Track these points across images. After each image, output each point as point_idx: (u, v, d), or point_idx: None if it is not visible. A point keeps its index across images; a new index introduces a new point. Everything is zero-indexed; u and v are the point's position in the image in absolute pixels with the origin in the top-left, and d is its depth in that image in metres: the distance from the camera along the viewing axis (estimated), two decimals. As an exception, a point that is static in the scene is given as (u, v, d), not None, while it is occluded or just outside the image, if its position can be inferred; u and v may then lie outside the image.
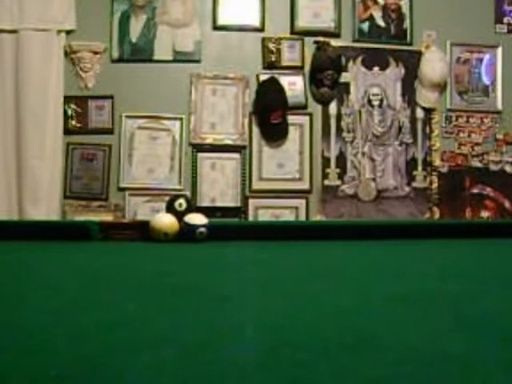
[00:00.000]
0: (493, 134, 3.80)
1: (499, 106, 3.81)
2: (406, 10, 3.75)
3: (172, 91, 3.54)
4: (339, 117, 3.66)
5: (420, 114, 3.74)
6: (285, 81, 3.59)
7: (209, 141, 3.57)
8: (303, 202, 3.61)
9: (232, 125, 3.59)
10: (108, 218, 3.36)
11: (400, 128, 3.72)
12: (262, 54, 3.62)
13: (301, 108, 3.63)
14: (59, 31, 3.45)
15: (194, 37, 3.57)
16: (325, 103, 3.66)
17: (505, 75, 3.81)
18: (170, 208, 2.18)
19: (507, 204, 3.74)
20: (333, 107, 3.66)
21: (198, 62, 3.57)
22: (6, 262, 1.52)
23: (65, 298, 0.96)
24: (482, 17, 3.80)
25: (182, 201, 2.17)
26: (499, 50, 3.81)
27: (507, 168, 3.78)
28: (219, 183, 3.56)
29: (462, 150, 3.76)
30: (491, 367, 0.57)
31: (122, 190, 3.50)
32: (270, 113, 3.53)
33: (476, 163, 3.76)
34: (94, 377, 0.54)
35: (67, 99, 3.46)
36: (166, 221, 2.09)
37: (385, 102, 3.71)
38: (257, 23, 3.62)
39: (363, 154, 3.67)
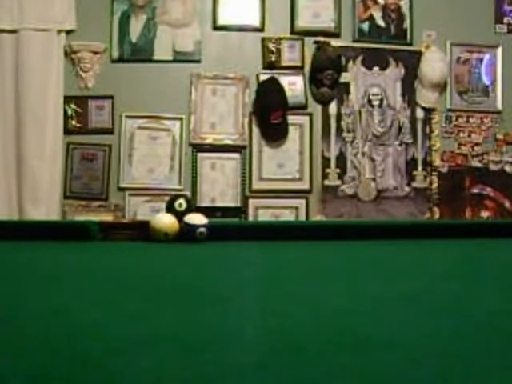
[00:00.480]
0: (493, 134, 3.80)
1: (499, 106, 3.81)
2: (405, 10, 3.75)
3: (172, 91, 3.55)
4: (339, 117, 3.66)
5: (420, 114, 3.74)
6: (285, 81, 3.59)
7: (209, 141, 3.57)
8: (303, 202, 3.61)
9: (232, 125, 3.59)
10: (108, 218, 3.36)
11: (400, 128, 3.72)
12: (262, 54, 3.62)
13: (301, 108, 3.63)
14: (59, 31, 3.45)
15: (194, 37, 3.57)
16: (325, 103, 3.66)
17: (505, 75, 3.81)
18: (169, 208, 2.17)
19: (507, 204, 3.74)
20: (333, 107, 3.66)
21: (198, 62, 3.57)
22: (6, 262, 1.52)
23: (65, 298, 0.96)
24: (482, 17, 3.80)
25: (181, 201, 2.17)
26: (499, 50, 3.81)
27: (507, 168, 3.78)
28: (219, 183, 3.56)
29: (462, 150, 3.76)
30: (492, 367, 0.57)
31: (122, 189, 3.50)
32: (270, 113, 3.53)
33: (476, 163, 3.76)
34: (94, 377, 0.54)
35: (67, 99, 3.46)
36: (166, 221, 2.09)
37: (385, 102, 3.71)
38: (257, 23, 3.62)
39: (363, 154, 3.67)
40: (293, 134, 3.62)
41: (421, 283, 1.17)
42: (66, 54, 3.48)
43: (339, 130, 3.66)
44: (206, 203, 3.52)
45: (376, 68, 3.71)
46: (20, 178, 3.37)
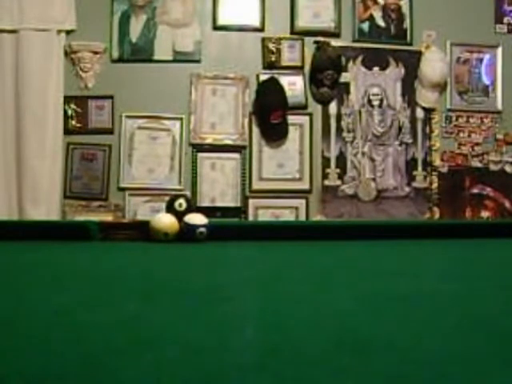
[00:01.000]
0: (493, 134, 3.80)
1: (499, 106, 3.81)
2: (406, 10, 3.75)
3: (172, 91, 3.55)
4: (339, 117, 3.66)
5: (420, 113, 3.74)
6: (285, 81, 3.59)
7: (209, 141, 3.57)
8: (303, 202, 3.61)
9: (232, 125, 3.59)
10: (108, 218, 3.36)
11: (400, 128, 3.72)
12: (262, 54, 3.62)
13: (301, 108, 3.63)
14: (59, 31, 3.45)
15: (193, 37, 3.57)
16: (325, 103, 3.66)
17: (505, 75, 3.81)
18: (169, 208, 2.17)
19: (507, 204, 3.74)
20: (333, 107, 3.66)
21: (197, 62, 3.57)
22: (6, 262, 1.52)
23: (65, 298, 0.96)
24: (481, 17, 3.80)
25: (181, 201, 2.17)
26: (499, 50, 3.82)
27: (507, 168, 3.78)
28: (219, 183, 3.56)
29: (462, 150, 3.76)
30: (492, 367, 0.57)
31: (122, 189, 3.50)
32: (270, 113, 3.53)
33: (476, 163, 3.76)
34: (94, 377, 0.53)
35: (67, 99, 3.46)
36: (165, 221, 2.09)
37: (385, 102, 3.71)
38: (257, 23, 3.62)
39: (363, 154, 3.68)
40: (293, 134, 3.62)
41: (421, 283, 1.17)
42: (66, 54, 3.48)
43: (339, 130, 3.66)
44: (206, 203, 3.52)
45: (376, 68, 3.71)
46: (20, 178, 3.38)
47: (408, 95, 3.73)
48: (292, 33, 3.65)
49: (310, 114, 3.64)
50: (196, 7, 3.59)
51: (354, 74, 3.68)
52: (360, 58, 3.70)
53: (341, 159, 3.66)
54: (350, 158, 3.66)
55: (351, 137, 3.67)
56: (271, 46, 3.61)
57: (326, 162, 3.65)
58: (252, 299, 0.97)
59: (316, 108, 3.66)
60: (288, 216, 3.58)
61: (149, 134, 3.54)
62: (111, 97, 3.51)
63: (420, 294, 1.04)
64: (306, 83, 3.65)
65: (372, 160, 3.69)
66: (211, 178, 3.56)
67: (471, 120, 3.79)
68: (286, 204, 3.60)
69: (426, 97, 3.72)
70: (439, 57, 3.72)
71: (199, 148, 3.57)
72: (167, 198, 2.37)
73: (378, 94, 3.71)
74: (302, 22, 3.65)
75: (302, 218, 3.59)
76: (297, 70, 3.64)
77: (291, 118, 3.61)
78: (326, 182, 3.64)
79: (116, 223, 2.39)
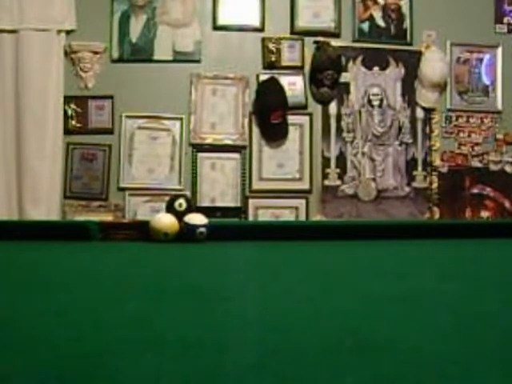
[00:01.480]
0: (493, 134, 3.80)
1: (499, 106, 3.81)
2: (405, 10, 3.75)
3: (172, 91, 3.54)
4: (339, 117, 3.66)
5: (420, 113, 3.74)
6: (285, 81, 3.59)
7: (209, 141, 3.57)
8: (303, 202, 3.61)
9: (232, 125, 3.59)
10: (108, 218, 3.36)
11: (400, 128, 3.72)
12: (262, 54, 3.62)
13: (301, 108, 3.63)
14: (59, 31, 3.45)
15: (193, 37, 3.57)
16: (325, 103, 3.66)
17: (505, 75, 3.81)
18: (169, 208, 2.17)
19: (507, 204, 3.74)
20: (333, 107, 3.66)
21: (197, 62, 3.57)
22: (6, 262, 1.52)
23: (65, 298, 0.96)
24: (481, 17, 3.80)
25: (181, 201, 2.17)
26: (499, 50, 3.82)
27: (507, 168, 3.78)
28: (219, 183, 3.56)
29: (462, 150, 3.76)
30: (491, 367, 0.57)
31: (122, 189, 3.50)
32: (270, 113, 3.53)
33: (476, 163, 3.76)
34: (94, 376, 0.54)
35: (67, 99, 3.46)
36: (165, 221, 2.09)
37: (385, 102, 3.71)
38: (257, 23, 3.62)
39: (363, 154, 3.67)
40: (293, 134, 3.62)
41: (421, 283, 1.17)
42: (65, 54, 3.48)
43: (339, 129, 3.66)
44: (205, 203, 3.52)
45: (376, 68, 3.71)
46: (20, 178, 3.37)
47: (408, 95, 3.73)
48: (292, 33, 3.65)
49: (310, 114, 3.64)
50: (196, 7, 3.59)
51: (354, 74, 3.68)
52: (360, 58, 3.70)
53: (341, 159, 3.66)
54: (349, 158, 3.66)
55: (351, 137, 3.67)
56: (271, 45, 3.61)
57: (325, 162, 3.64)
58: (252, 299, 0.97)
59: (316, 108, 3.66)
60: (288, 216, 3.58)
61: (149, 134, 3.54)
62: (111, 97, 3.51)
63: (420, 293, 1.04)
64: (306, 83, 3.65)
65: (372, 160, 3.69)
66: (211, 178, 3.56)
67: (471, 120, 3.79)
68: (285, 204, 3.60)
69: (426, 97, 3.72)
70: (439, 57, 3.72)
71: (199, 148, 3.57)
72: (167, 198, 2.37)
73: (377, 94, 3.71)
74: (302, 22, 3.65)
75: (302, 218, 3.59)
76: (297, 70, 3.64)
77: (291, 118, 3.61)
78: (326, 182, 3.63)
79: (116, 223, 2.39)
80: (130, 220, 3.24)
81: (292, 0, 3.65)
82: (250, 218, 3.54)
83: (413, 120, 3.74)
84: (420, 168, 3.72)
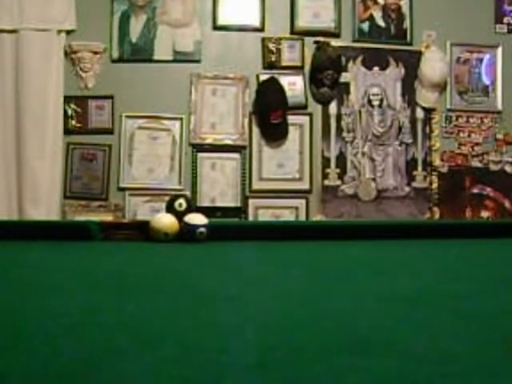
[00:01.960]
0: (493, 134, 3.80)
1: (499, 106, 3.81)
2: (405, 9, 3.75)
3: (172, 91, 3.54)
4: (339, 117, 3.66)
5: (420, 114, 3.74)
6: (285, 81, 3.59)
7: (209, 141, 3.57)
8: (303, 202, 3.61)
9: (232, 125, 3.59)
10: (108, 218, 3.36)
11: (400, 128, 3.72)
12: (262, 54, 3.62)
13: (301, 108, 3.63)
14: (59, 31, 3.45)
15: (194, 37, 3.57)
16: (325, 103, 3.66)
17: (505, 75, 3.81)
18: (169, 208, 2.17)
19: (507, 204, 3.74)
20: (333, 107, 3.66)
21: (198, 62, 3.57)
22: (6, 262, 1.52)
23: (65, 298, 0.96)
24: (482, 17, 3.80)
25: (181, 201, 2.17)
26: (499, 50, 3.82)
27: (507, 168, 3.78)
28: (219, 183, 3.56)
29: (462, 150, 3.76)
30: (492, 367, 0.57)
31: (122, 189, 3.50)
32: (269, 113, 3.53)
33: (476, 163, 3.76)
34: (94, 377, 0.53)
35: (67, 99, 3.46)
36: (165, 221, 2.09)
37: (385, 102, 3.71)
38: (257, 23, 3.62)
39: (363, 153, 3.67)
40: (293, 133, 3.62)
41: (421, 283, 1.17)
42: (65, 54, 3.48)
43: (339, 129, 3.66)
44: (206, 203, 3.52)
45: (376, 68, 3.71)
46: (20, 178, 3.37)
47: (408, 95, 3.73)
48: (292, 33, 3.65)
49: (310, 114, 3.64)
50: (196, 7, 3.59)
51: (354, 74, 3.68)
52: (360, 58, 3.70)
53: (341, 159, 3.66)
54: (349, 158, 3.66)
55: (351, 137, 3.67)
56: (271, 45, 3.61)
57: (325, 161, 3.64)
58: (252, 299, 0.97)
59: (316, 108, 3.66)
60: (288, 216, 3.58)
61: (149, 134, 3.54)
62: (111, 97, 3.51)
63: (420, 293, 1.04)
64: (306, 83, 3.65)
65: (372, 160, 3.69)
66: (211, 178, 3.56)
67: (471, 120, 3.79)
68: (285, 204, 3.60)
69: (426, 97, 3.72)
70: (439, 57, 3.72)
71: (199, 148, 3.57)
72: (167, 198, 2.37)
73: (377, 94, 3.71)
74: (302, 22, 3.65)
75: (302, 218, 3.59)
76: (297, 69, 3.64)
77: (291, 118, 3.60)
78: (326, 182, 3.63)
79: (116, 223, 2.39)
80: (130, 220, 3.24)
81: (292, 0, 3.65)
82: (250, 218, 3.54)
83: (413, 120, 3.73)
84: (420, 168, 3.72)
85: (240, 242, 1.99)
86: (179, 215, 2.09)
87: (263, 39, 3.61)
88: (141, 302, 0.92)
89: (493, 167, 3.77)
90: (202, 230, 2.03)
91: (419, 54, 3.72)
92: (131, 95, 3.51)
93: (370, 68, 3.70)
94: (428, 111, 3.75)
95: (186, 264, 1.54)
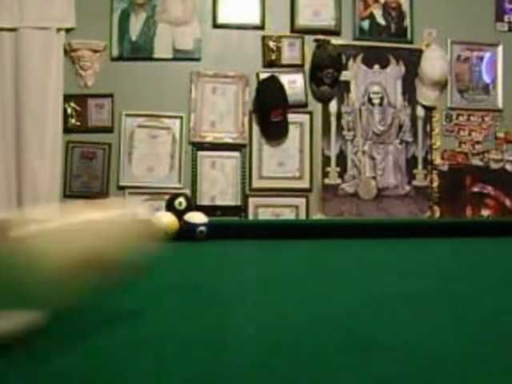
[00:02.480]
0: (493, 132, 3.79)
1: (500, 105, 3.80)
2: (406, 8, 3.74)
3: (172, 89, 3.54)
4: (339, 115, 3.66)
5: (420, 112, 3.73)
6: (285, 79, 3.58)
7: (209, 139, 3.57)
8: (303, 200, 3.60)
9: (232, 123, 3.59)
10: (108, 216, 3.35)
11: (400, 126, 3.71)
12: (262, 53, 3.61)
13: (301, 106, 3.62)
14: (59, 29, 3.44)
15: (193, 35, 3.57)
16: (325, 101, 3.65)
17: (505, 73, 3.80)
18: (169, 207, 2.17)
19: (508, 203, 3.74)
20: (333, 105, 3.65)
21: (197, 60, 3.56)
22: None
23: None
24: (482, 15, 3.79)
25: (181, 199, 2.17)
26: (500, 49, 3.81)
27: (508, 166, 3.77)
28: (219, 182, 3.55)
29: (463, 149, 3.76)
30: (491, 367, 0.57)
31: (122, 188, 3.50)
32: (270, 111, 3.52)
33: (477, 162, 3.75)
34: (95, 377, 0.53)
35: (67, 98, 3.46)
36: (165, 220, 2.09)
37: (385, 101, 3.71)
38: (257, 21, 3.62)
39: (363, 152, 3.67)
40: (293, 132, 3.61)
41: (421, 282, 1.17)
42: (65, 52, 3.47)
43: (339, 128, 3.65)
44: (205, 202, 3.52)
45: (376, 66, 3.70)
46: (20, 177, 3.37)
47: (408, 93, 3.73)
48: (292, 31, 3.64)
49: (311, 113, 3.64)
50: (196, 5, 3.58)
51: (355, 73, 3.68)
52: (360, 57, 3.69)
53: (341, 158, 3.65)
54: (350, 157, 3.66)
55: (351, 135, 3.66)
56: (271, 44, 3.60)
57: (326, 160, 3.64)
58: (252, 298, 0.97)
59: (316, 106, 3.65)
60: (288, 215, 3.58)
61: (149, 133, 3.53)
62: (111, 95, 3.50)
63: (420, 292, 1.03)
64: (307, 81, 3.64)
65: (372, 158, 3.68)
66: (211, 177, 3.56)
67: (472, 118, 3.78)
68: (286, 203, 3.59)
69: (426, 95, 3.72)
70: (440, 55, 3.71)
71: (199, 146, 3.57)
72: (167, 197, 2.37)
73: (378, 93, 3.70)
74: (303, 20, 3.64)
75: (302, 216, 3.59)
76: (297, 68, 3.63)
77: (291, 117, 3.60)
78: (326, 181, 3.63)
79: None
80: (130, 219, 3.23)
81: (292, -2, 3.64)
82: (250, 217, 3.54)
83: (413, 118, 3.73)
84: (420, 166, 3.72)
85: (240, 241, 1.99)
86: (179, 214, 2.09)
87: (263, 37, 3.61)
88: (140, 302, 0.92)
89: (493, 166, 3.76)
90: (202, 228, 2.03)
91: (420, 52, 3.71)
92: (131, 93, 3.51)
93: (370, 66, 3.69)
94: (428, 109, 3.74)
95: (185, 263, 1.54)
